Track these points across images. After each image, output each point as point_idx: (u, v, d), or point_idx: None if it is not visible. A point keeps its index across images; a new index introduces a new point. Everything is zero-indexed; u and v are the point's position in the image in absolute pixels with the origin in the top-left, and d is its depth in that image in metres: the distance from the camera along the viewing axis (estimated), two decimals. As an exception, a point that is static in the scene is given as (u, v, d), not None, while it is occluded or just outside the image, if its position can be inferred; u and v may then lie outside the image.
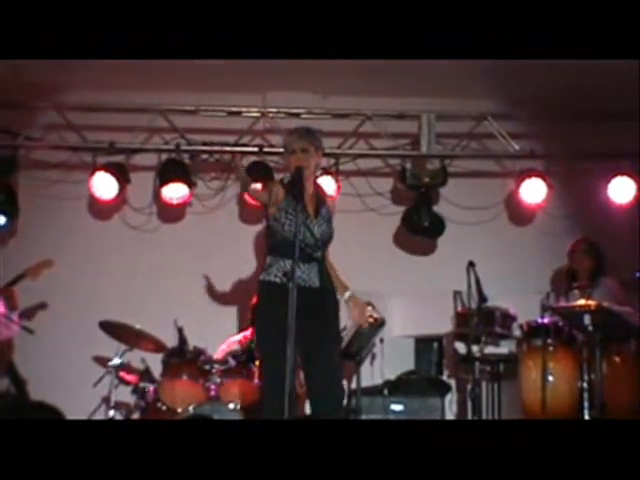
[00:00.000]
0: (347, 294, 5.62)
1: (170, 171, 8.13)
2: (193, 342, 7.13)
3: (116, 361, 7.02)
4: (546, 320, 6.90)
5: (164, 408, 6.91)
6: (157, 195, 8.32)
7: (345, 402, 7.02)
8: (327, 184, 7.55)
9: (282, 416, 4.88)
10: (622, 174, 8.02)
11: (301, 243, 5.28)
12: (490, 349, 7.31)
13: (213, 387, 6.95)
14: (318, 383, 5.47)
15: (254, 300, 7.28)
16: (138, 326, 7.09)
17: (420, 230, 8.31)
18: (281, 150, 7.53)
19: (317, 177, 5.92)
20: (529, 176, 8.15)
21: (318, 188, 5.77)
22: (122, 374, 7.11)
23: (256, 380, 6.92)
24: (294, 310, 5.00)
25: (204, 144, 8.21)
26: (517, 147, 8.14)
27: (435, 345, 8.42)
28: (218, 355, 7.33)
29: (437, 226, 8.24)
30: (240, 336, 7.58)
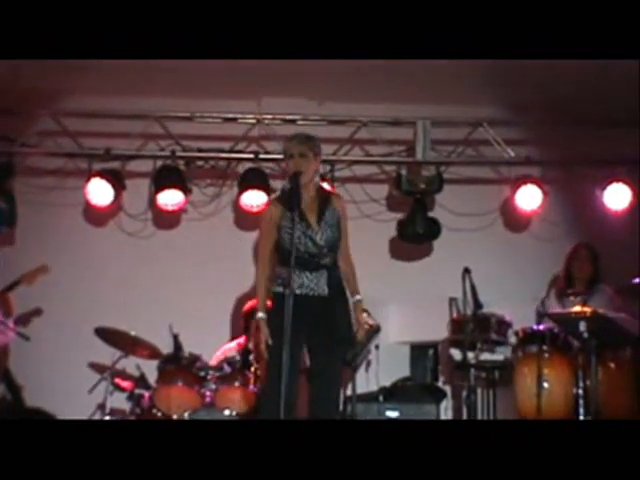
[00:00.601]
0: (356, 297, 5.72)
1: (165, 177, 8.12)
2: (188, 348, 7.13)
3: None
4: (541, 327, 6.90)
5: (159, 414, 6.90)
6: (152, 201, 8.29)
7: (340, 409, 7.01)
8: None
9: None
10: (618, 180, 8.01)
11: (304, 253, 5.39)
12: (485, 356, 7.30)
13: (208, 393, 6.95)
14: (316, 387, 5.53)
15: (247, 307, 7.33)
16: (133, 332, 7.09)
17: (415, 238, 8.29)
18: (277, 157, 7.60)
19: (317, 184, 5.88)
20: (525, 183, 8.14)
21: (321, 192, 5.75)
22: (117, 380, 7.12)
23: (251, 386, 6.92)
24: (290, 315, 5.09)
25: (199, 150, 8.20)
26: (513, 154, 8.13)
27: (430, 352, 8.42)
28: (213, 361, 7.32)
29: (432, 229, 8.21)
30: (235, 343, 7.57)
